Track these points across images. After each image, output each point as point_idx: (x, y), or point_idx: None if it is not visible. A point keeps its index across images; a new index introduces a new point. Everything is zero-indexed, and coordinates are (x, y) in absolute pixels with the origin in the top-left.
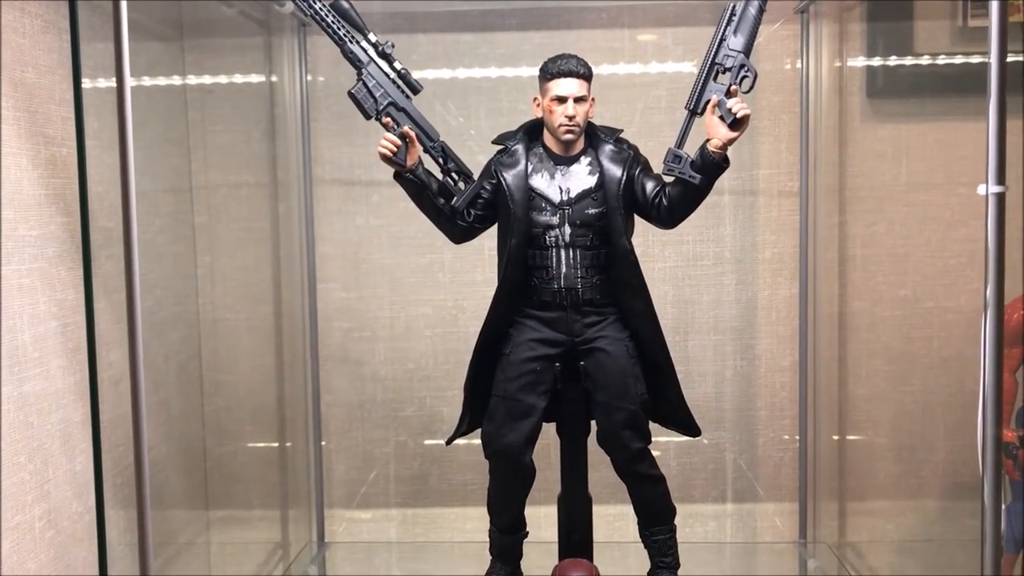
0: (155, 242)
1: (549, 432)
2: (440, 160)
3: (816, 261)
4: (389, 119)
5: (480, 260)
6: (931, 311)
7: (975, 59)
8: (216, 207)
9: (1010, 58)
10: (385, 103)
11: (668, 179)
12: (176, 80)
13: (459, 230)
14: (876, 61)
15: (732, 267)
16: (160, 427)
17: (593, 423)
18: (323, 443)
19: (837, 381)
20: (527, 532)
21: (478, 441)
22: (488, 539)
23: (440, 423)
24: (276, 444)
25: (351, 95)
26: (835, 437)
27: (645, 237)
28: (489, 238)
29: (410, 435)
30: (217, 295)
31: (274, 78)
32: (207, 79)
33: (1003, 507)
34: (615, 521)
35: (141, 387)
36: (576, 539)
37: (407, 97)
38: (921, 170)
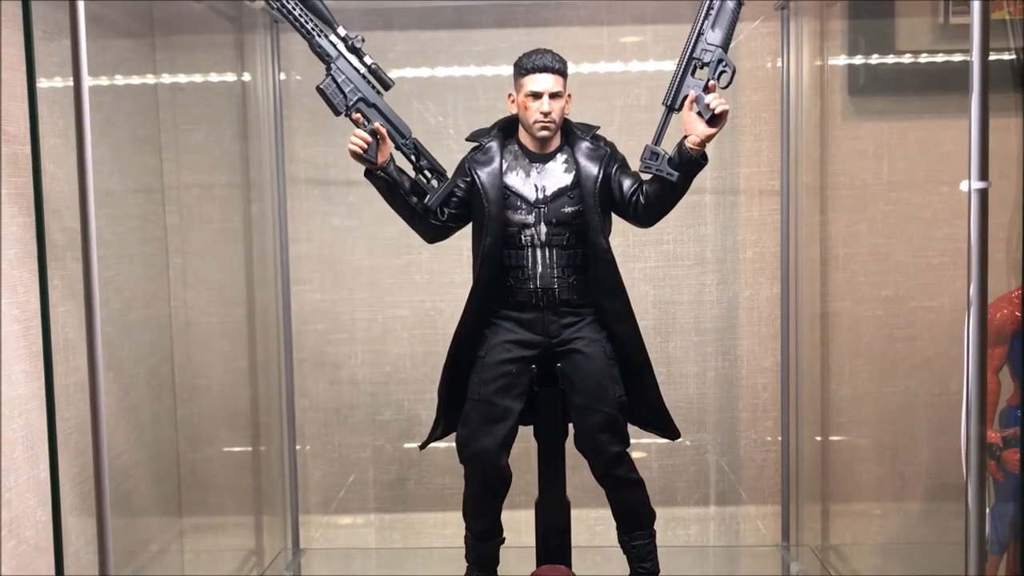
0: (124, 243)
1: (526, 435)
2: (412, 157)
3: (798, 261)
4: (359, 115)
5: (459, 261)
6: (914, 311)
7: (957, 57)
8: (188, 207)
9: (992, 56)
10: (355, 99)
11: (645, 176)
12: (148, 78)
13: (432, 229)
14: (857, 59)
15: (713, 267)
16: (130, 432)
17: (571, 426)
18: (299, 447)
19: (820, 382)
20: (504, 538)
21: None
22: (464, 545)
23: (418, 426)
24: (250, 449)
25: (319, 90)
26: (817, 438)
27: (625, 237)
28: (467, 238)
29: (388, 439)
30: (189, 297)
31: (246, 76)
32: (180, 77)
33: (987, 509)
34: (595, 525)
35: (100, 390)
36: (554, 544)
37: (378, 93)
38: (903, 168)
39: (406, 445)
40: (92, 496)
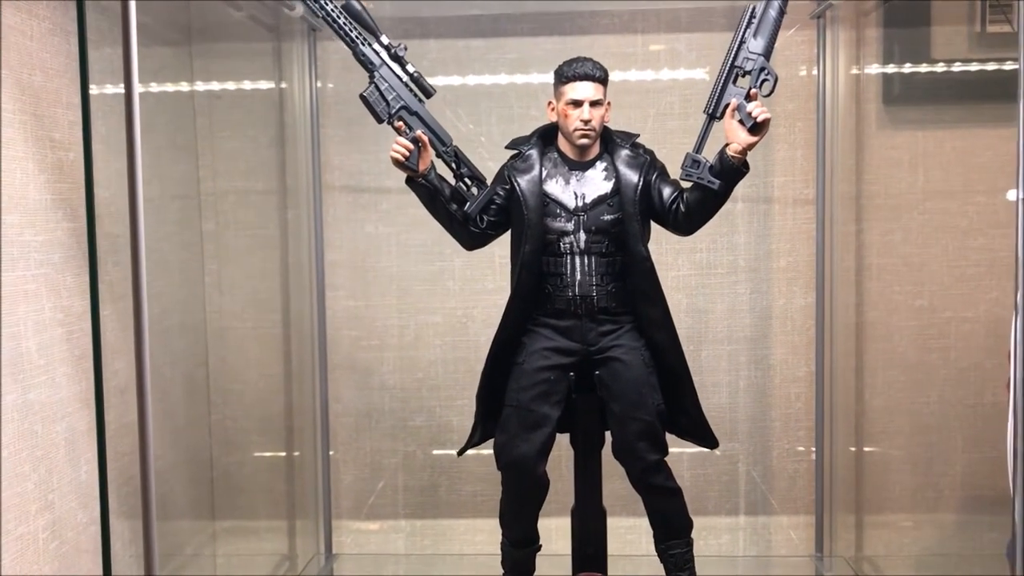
0: (161, 249)
1: (563, 443)
2: (453, 165)
3: (832, 270)
4: (401, 123)
5: (491, 268)
6: (948, 321)
7: (992, 66)
8: (224, 214)
9: None
10: (397, 107)
11: (686, 184)
12: (184, 86)
13: (471, 236)
14: (892, 67)
15: (746, 276)
16: (166, 436)
17: (608, 434)
18: (331, 453)
19: (854, 391)
20: (540, 545)
21: (488, 452)
22: (500, 552)
23: (450, 433)
24: (283, 454)
25: (363, 98)
26: (852, 448)
27: (659, 245)
28: (499, 245)
29: (419, 445)
30: (225, 303)
31: (283, 84)
32: (215, 84)
33: None
34: (627, 534)
35: (147, 395)
36: (590, 552)
37: (420, 101)
38: (938, 178)
39: (437, 452)
40: (130, 499)
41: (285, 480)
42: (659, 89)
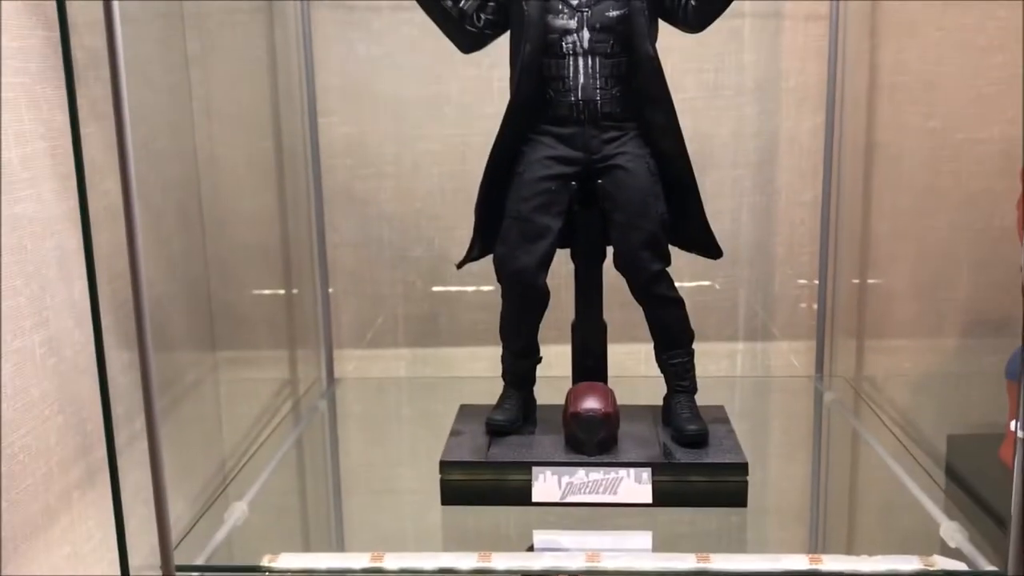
0: (146, 69)
1: (562, 257)
2: None
3: (843, 90)
4: None
5: (488, 93)
6: (961, 142)
7: None
8: (209, 33)
9: None
10: None
11: None
12: None
13: (469, 36)
14: None
15: (754, 96)
16: (160, 265)
17: (608, 249)
18: (330, 290)
19: (861, 216)
20: (541, 357)
21: (487, 287)
22: (501, 365)
23: (449, 263)
24: (282, 286)
25: None
26: (856, 273)
27: (664, 63)
28: (498, 68)
29: (419, 276)
30: (214, 130)
31: None
32: None
33: None
34: (626, 359)
35: (135, 216)
36: (590, 364)
37: None
38: None
39: (436, 285)
40: (126, 324)
41: (285, 310)
42: None
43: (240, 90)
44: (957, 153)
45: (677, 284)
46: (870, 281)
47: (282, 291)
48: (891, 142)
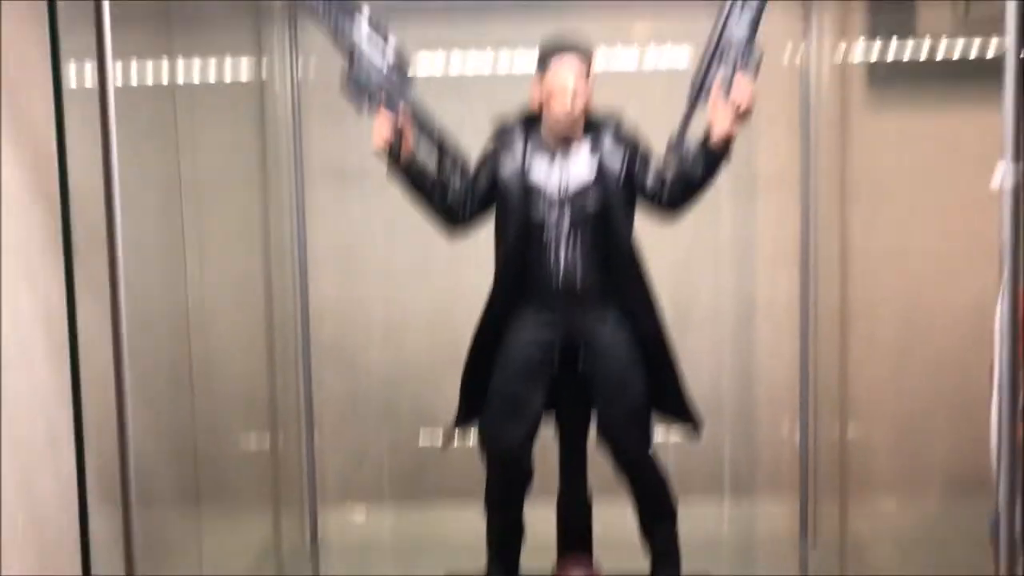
0: (141, 239)
1: (547, 431)
2: (436, 150)
3: (817, 254)
4: (383, 109)
5: (475, 252)
6: (934, 304)
7: (976, 47)
8: (205, 200)
9: None
10: (378, 97)
11: (670, 167)
12: (163, 67)
13: (454, 225)
14: (878, 49)
15: (730, 259)
16: (148, 427)
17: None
18: (316, 441)
19: (838, 376)
20: (524, 530)
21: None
22: (486, 538)
23: (436, 418)
24: (268, 442)
25: (345, 84)
26: (836, 433)
27: (640, 229)
28: (483, 230)
29: (405, 430)
30: (207, 291)
31: (264, 68)
32: (196, 62)
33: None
34: (613, 520)
35: (126, 390)
36: (576, 535)
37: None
38: (923, 160)
39: (423, 437)
40: (112, 491)
41: (270, 468)
42: (644, 75)
43: (234, 250)
44: (930, 314)
45: (660, 436)
46: (851, 434)
47: (268, 447)
48: (866, 303)
